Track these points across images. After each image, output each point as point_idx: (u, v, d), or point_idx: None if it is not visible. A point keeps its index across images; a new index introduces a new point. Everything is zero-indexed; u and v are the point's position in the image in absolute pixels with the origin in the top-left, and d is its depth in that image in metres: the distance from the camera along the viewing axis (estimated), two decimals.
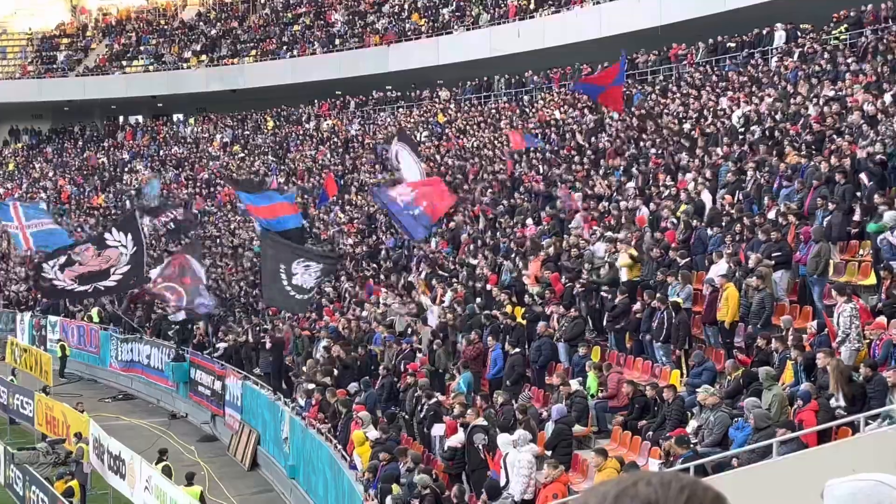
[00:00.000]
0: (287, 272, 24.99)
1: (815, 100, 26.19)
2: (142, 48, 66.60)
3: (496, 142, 38.97)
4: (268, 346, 28.45)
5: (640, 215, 24.09)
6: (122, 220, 31.24)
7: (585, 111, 37.41)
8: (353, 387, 22.87)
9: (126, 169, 60.75)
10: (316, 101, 57.18)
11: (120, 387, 37.79)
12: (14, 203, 44.91)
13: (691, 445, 14.15)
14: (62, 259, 30.08)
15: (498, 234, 28.41)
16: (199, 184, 53.20)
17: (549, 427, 16.96)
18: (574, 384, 17.97)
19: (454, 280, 26.35)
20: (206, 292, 30.44)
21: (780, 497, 11.95)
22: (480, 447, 16.94)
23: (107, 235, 30.12)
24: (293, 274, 24.99)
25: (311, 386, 23.59)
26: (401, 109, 52.26)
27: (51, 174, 63.94)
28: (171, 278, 29.79)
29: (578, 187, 28.43)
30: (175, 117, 67.15)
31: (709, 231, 20.98)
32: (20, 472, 24.74)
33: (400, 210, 25.75)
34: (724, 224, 20.87)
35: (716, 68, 36.23)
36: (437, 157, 40.28)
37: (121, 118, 69.96)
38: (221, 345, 31.28)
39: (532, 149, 34.93)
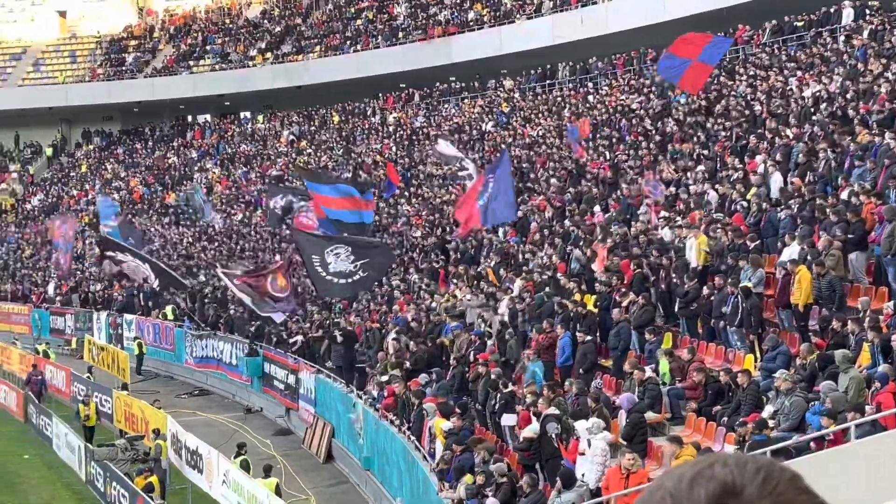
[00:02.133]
0: (322, 262, 25.40)
1: (885, 77, 25.71)
2: (208, 48, 67.34)
3: (562, 130, 38.80)
4: (339, 339, 28.63)
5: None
6: (101, 241, 32.14)
7: (651, 96, 37.12)
8: (423, 378, 22.94)
9: (196, 167, 61.51)
10: (380, 94, 57.38)
11: (195, 383, 38.33)
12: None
13: (768, 430, 14.00)
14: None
15: (566, 222, 28.30)
16: (267, 180, 53.67)
17: (622, 416, 16.89)
18: (647, 371, 17.86)
19: (523, 269, 26.32)
20: (293, 298, 30.69)
21: (859, 481, 11.79)
22: (553, 436, 16.91)
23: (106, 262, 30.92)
24: (328, 263, 25.42)
25: (384, 378, 23.73)
26: (465, 100, 52.25)
27: (122, 174, 64.96)
28: (256, 279, 30.02)
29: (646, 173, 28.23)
30: (242, 115, 67.80)
31: (780, 214, 20.71)
32: (101, 468, 25.20)
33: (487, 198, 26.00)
34: (795, 206, 20.59)
35: (783, 48, 35.72)
36: (503, 146, 40.20)
37: (189, 117, 70.82)
38: (298, 339, 31.50)
39: (591, 138, 34.81)
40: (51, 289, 50.49)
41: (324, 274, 25.67)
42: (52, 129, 72.15)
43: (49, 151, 72.33)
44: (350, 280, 25.89)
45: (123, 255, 29.45)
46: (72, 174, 69.00)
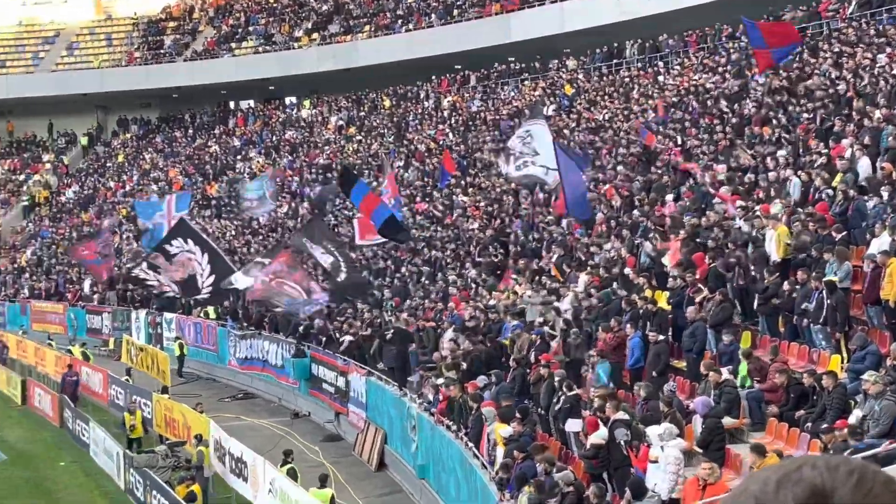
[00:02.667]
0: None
1: None
2: (251, 29, 67.82)
3: (631, 113, 38.62)
4: (390, 338, 28.72)
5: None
6: (176, 228, 31.69)
7: (727, 76, 36.81)
8: (482, 380, 22.95)
9: (238, 156, 61.99)
10: (434, 77, 57.41)
11: (239, 385, 38.67)
12: (169, 197, 46.23)
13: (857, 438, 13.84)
14: (147, 262, 31.00)
15: (635, 212, 28.15)
16: (314, 170, 53.98)
17: (697, 421, 16.77)
18: (724, 373, 17.72)
19: (588, 264, 26.24)
20: (317, 288, 30.83)
21: None
22: (622, 443, 16.84)
23: (167, 246, 30.57)
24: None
25: (440, 380, 23.77)
26: (525, 82, 52.13)
27: (161, 164, 65.62)
28: (282, 275, 30.22)
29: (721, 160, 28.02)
30: (287, 100, 68.22)
31: (868, 202, 20.43)
32: (140, 476, 25.49)
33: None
34: (885, 193, 20.29)
35: (871, 23, 35.23)
36: (566, 132, 40.09)
37: (231, 103, 71.40)
38: (347, 338, 31.64)
39: (668, 120, 34.57)
40: (87, 286, 51.18)
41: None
42: (88, 117, 73.09)
43: (84, 140, 73.32)
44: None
45: (179, 244, 29.38)
46: (108, 164, 69.88)
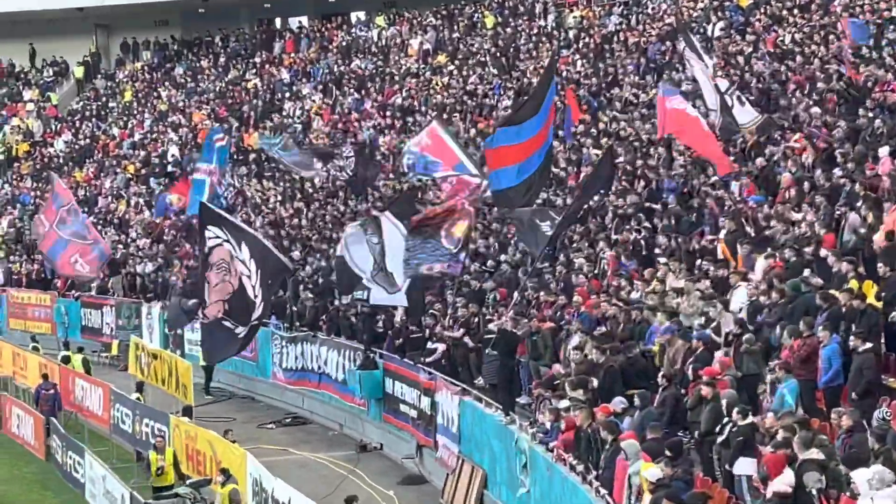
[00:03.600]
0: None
1: None
2: None
3: (831, 34, 38.15)
4: (493, 345, 28.73)
5: None
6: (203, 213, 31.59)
7: None
8: (619, 403, 22.92)
9: (287, 93, 62.39)
10: None
11: (287, 406, 39.00)
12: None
13: None
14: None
15: (835, 171, 27.83)
16: (390, 112, 54.14)
17: None
18: None
19: (769, 243, 26.02)
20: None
21: None
22: (815, 492, 16.73)
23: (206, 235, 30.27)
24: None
25: (562, 403, 23.77)
26: None
27: (182, 104, 66.26)
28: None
29: None
30: (354, 17, 68.44)
31: None
32: None
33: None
34: None
35: None
36: (740, 59, 39.68)
37: (277, 21, 71.81)
38: (438, 346, 31.66)
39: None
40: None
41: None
42: (84, 40, 74.05)
43: (79, 72, 74.33)
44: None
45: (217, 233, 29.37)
46: (111, 105, 70.77)
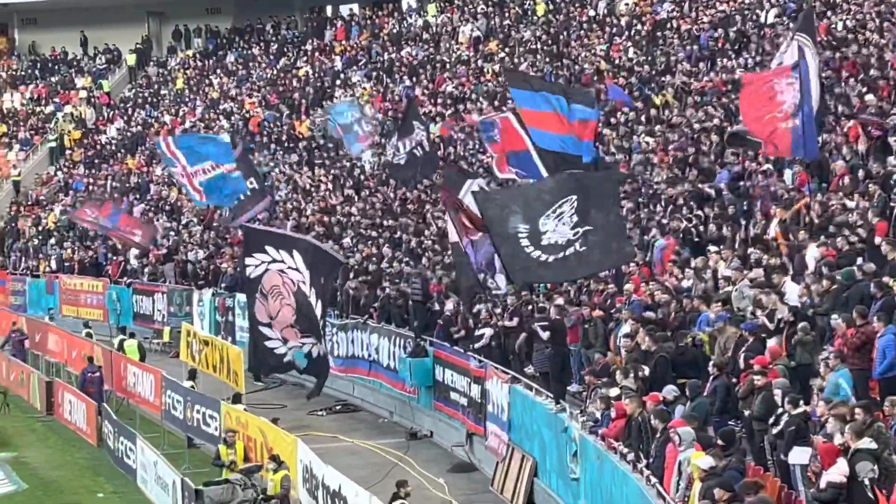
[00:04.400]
0: (531, 229, 25.26)
1: None
2: None
3: (883, 15, 37.85)
4: (543, 333, 28.65)
5: None
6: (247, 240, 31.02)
7: None
8: (670, 391, 22.84)
9: (338, 81, 62.45)
10: None
11: (337, 394, 39.07)
12: (167, 140, 46.84)
13: None
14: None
15: (890, 159, 27.63)
16: (441, 99, 54.12)
17: None
18: None
19: (822, 231, 25.86)
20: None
21: None
22: (867, 482, 16.61)
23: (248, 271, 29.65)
24: (541, 230, 25.23)
25: (613, 391, 23.70)
26: None
27: (234, 92, 66.44)
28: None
29: None
30: (405, 4, 68.44)
31: None
32: None
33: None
34: None
35: None
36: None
37: (329, 9, 71.92)
38: (486, 331, 31.61)
39: None
40: (132, 256, 52.01)
41: (529, 248, 25.59)
42: (136, 28, 74.38)
43: (131, 60, 74.66)
44: (563, 255, 25.71)
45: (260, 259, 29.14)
46: (163, 92, 71.06)
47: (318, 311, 28.85)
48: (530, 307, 31.28)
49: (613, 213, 26.67)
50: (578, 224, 25.44)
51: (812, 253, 24.92)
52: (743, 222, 29.71)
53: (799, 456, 18.83)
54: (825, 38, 39.31)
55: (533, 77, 39.45)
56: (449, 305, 34.27)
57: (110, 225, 47.66)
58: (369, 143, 49.49)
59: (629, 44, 50.46)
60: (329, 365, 30.35)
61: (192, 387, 35.10)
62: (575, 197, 25.59)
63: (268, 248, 28.86)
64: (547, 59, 52.87)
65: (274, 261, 28.66)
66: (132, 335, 43.76)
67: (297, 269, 28.40)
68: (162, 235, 51.04)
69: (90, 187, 62.70)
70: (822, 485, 17.38)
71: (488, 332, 31.60)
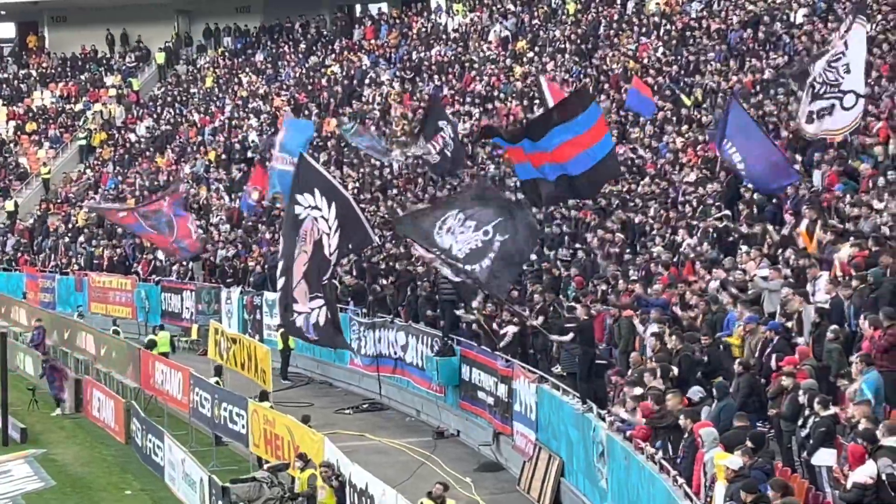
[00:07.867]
0: (443, 252, 25.98)
1: None
2: None
3: None
4: (570, 332, 28.65)
5: None
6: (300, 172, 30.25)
7: None
8: (697, 392, 22.82)
9: (367, 80, 62.50)
10: None
11: (364, 392, 39.10)
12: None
13: None
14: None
15: None
16: (470, 99, 54.10)
17: None
18: None
19: (852, 231, 25.78)
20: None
21: None
22: (884, 476, 16.59)
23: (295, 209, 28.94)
24: (446, 248, 26.35)
25: (638, 391, 23.68)
26: None
27: (263, 90, 66.56)
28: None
29: None
30: (434, 3, 68.44)
31: None
32: None
33: None
34: None
35: None
36: (818, 41, 39.33)
37: (358, 8, 71.97)
38: (510, 329, 31.60)
39: None
40: (161, 254, 52.15)
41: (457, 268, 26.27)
42: (165, 26, 74.58)
43: (160, 58, 74.82)
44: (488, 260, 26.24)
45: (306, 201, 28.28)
46: (192, 90, 71.23)
47: (328, 273, 28.10)
48: (554, 307, 31.16)
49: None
50: (476, 227, 26.06)
51: (843, 253, 24.83)
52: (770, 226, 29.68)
53: (824, 458, 18.81)
54: None
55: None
56: (475, 304, 34.27)
57: (152, 228, 47.01)
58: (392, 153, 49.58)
59: (658, 43, 50.36)
60: (340, 327, 29.64)
61: (218, 383, 35.21)
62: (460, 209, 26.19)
63: (316, 190, 27.88)
64: (576, 60, 52.79)
65: (315, 207, 27.83)
66: (161, 327, 44.05)
67: (326, 220, 27.61)
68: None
69: (120, 185, 62.87)
70: (849, 485, 17.36)
71: (511, 329, 31.59)
